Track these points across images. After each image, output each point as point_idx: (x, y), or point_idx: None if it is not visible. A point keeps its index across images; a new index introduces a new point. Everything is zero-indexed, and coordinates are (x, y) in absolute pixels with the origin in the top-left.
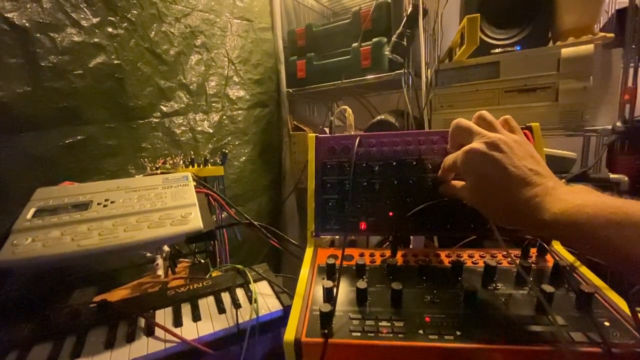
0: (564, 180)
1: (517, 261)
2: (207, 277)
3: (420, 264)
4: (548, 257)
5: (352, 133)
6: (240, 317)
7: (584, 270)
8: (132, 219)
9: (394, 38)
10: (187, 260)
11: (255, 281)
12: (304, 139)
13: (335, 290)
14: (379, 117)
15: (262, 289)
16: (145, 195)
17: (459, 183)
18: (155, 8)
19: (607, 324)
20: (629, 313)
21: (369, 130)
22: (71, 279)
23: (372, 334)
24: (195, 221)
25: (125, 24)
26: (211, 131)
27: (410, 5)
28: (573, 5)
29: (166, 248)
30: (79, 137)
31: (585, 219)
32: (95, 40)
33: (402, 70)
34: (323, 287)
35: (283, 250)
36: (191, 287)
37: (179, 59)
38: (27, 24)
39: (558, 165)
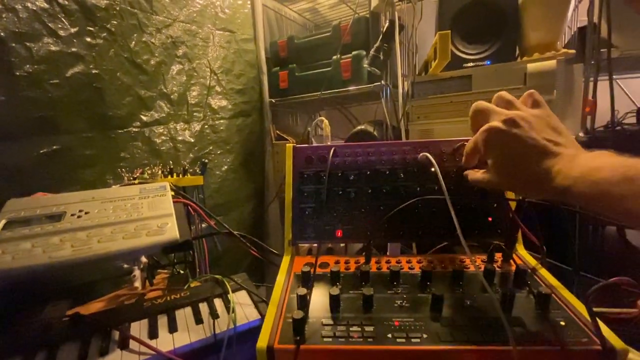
0: None
1: (482, 266)
2: (185, 287)
3: (392, 270)
4: (512, 260)
5: (329, 143)
6: (217, 327)
7: (544, 272)
8: (107, 230)
9: (372, 52)
10: (165, 271)
11: (234, 291)
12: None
13: (308, 297)
14: (359, 127)
15: (241, 299)
16: (121, 206)
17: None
18: (135, 18)
19: (562, 323)
20: (585, 314)
21: (349, 140)
22: (45, 292)
23: (343, 339)
24: (171, 231)
25: (105, 34)
26: (192, 140)
27: (387, 21)
28: (537, 23)
29: (144, 259)
30: (54, 147)
31: (600, 178)
32: (73, 49)
33: (381, 83)
34: (297, 294)
35: (265, 260)
36: (168, 298)
37: (160, 69)
38: (2, 34)
39: None
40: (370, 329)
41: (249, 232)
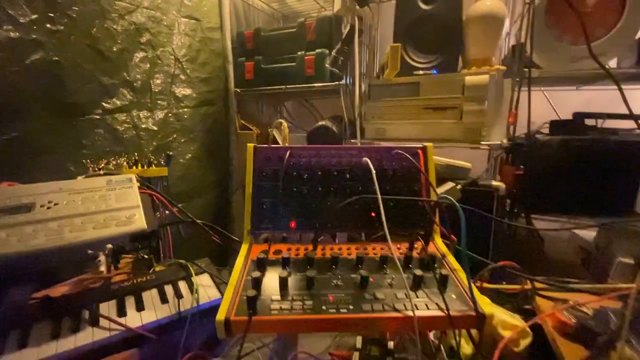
0: (459, 185)
1: (401, 252)
2: (150, 271)
3: (332, 256)
4: (429, 248)
5: (287, 145)
6: (182, 305)
7: (451, 259)
8: (77, 220)
9: (333, 53)
10: (130, 256)
11: (197, 274)
12: (250, 138)
13: (261, 279)
14: (319, 123)
15: (204, 281)
16: (89, 197)
17: None
18: (97, 4)
19: (454, 296)
20: (473, 288)
21: (310, 134)
22: (8, 276)
23: (287, 311)
24: (139, 222)
25: (65, 20)
26: (156, 129)
27: (348, 25)
28: (476, 40)
29: (109, 245)
30: (13, 134)
31: None
32: (33, 36)
33: (341, 82)
34: (251, 277)
35: (226, 247)
36: (134, 281)
37: (122, 55)
38: None
39: (457, 173)
40: (310, 303)
41: (213, 218)
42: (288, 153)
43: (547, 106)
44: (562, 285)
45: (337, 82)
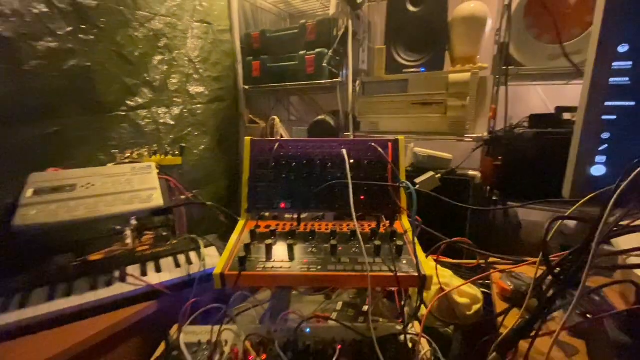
0: (439, 175)
1: (369, 228)
2: (167, 244)
3: (312, 229)
4: (395, 226)
5: (280, 138)
6: (191, 269)
7: (411, 234)
8: (109, 198)
9: (329, 53)
10: (151, 233)
11: (205, 247)
12: (257, 131)
13: (252, 246)
14: (318, 117)
15: (210, 252)
16: (118, 180)
17: None
18: (121, 15)
19: (405, 262)
20: (423, 260)
21: (311, 127)
22: (50, 246)
23: (269, 269)
24: (157, 200)
25: (95, 31)
26: (173, 123)
27: (343, 27)
28: (460, 39)
29: (134, 222)
30: (55, 129)
31: None
32: (69, 46)
33: (338, 79)
34: (244, 244)
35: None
36: (154, 250)
37: (143, 59)
38: (11, 35)
39: (438, 163)
40: (288, 264)
41: (224, 203)
42: (277, 145)
43: (547, 100)
44: (509, 259)
45: (334, 80)
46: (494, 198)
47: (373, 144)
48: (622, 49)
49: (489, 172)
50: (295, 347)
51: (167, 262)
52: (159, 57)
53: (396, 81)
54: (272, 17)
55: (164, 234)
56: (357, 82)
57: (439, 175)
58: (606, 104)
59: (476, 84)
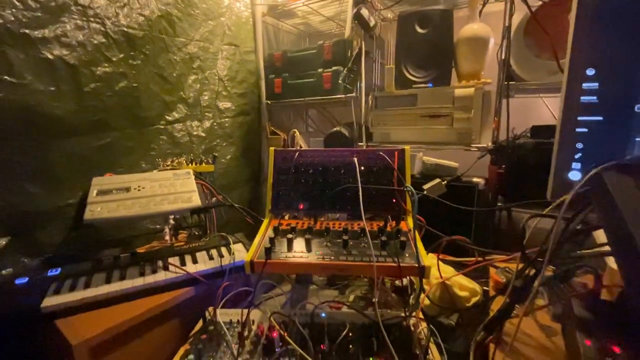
0: (445, 181)
1: (378, 227)
2: (201, 240)
3: (327, 227)
4: (401, 224)
5: (300, 148)
6: (223, 261)
7: (416, 233)
8: (158, 199)
9: (344, 70)
10: (185, 232)
11: (234, 243)
12: (278, 142)
13: (275, 240)
14: (334, 129)
15: (238, 248)
16: (163, 184)
17: None
18: (162, 42)
19: (407, 255)
20: (424, 255)
21: (327, 138)
22: (102, 242)
23: (290, 258)
24: (196, 201)
25: (142, 56)
26: (204, 135)
27: (357, 48)
28: (465, 57)
29: (172, 221)
30: (107, 140)
31: None
32: (121, 70)
33: (352, 95)
34: (269, 237)
35: (255, 224)
36: (190, 245)
37: (180, 79)
38: (76, 62)
39: (445, 171)
40: (306, 255)
41: (247, 206)
42: (297, 154)
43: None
44: (505, 255)
45: (348, 95)
46: (498, 203)
47: (381, 153)
48: (590, 72)
49: (493, 179)
50: (312, 326)
51: (202, 255)
52: (193, 77)
53: (406, 96)
54: (292, 37)
55: (197, 233)
56: (370, 97)
57: (445, 182)
58: (579, 118)
59: (480, 98)
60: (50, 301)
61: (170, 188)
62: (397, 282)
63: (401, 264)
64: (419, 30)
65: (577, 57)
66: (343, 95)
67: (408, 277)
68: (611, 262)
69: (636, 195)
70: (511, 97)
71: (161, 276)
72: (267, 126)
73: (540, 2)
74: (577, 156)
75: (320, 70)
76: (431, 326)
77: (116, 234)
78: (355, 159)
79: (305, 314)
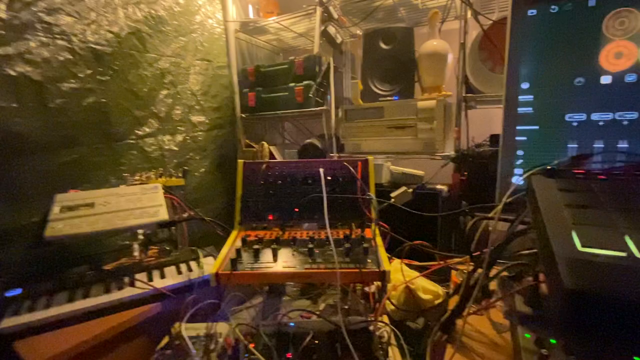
0: (411, 189)
1: (343, 234)
2: (170, 255)
3: (294, 237)
4: (365, 232)
5: (267, 160)
6: (191, 275)
7: (379, 239)
8: (123, 213)
9: (315, 86)
10: (156, 247)
11: (205, 257)
12: (253, 154)
13: (242, 251)
14: (307, 141)
15: (209, 261)
16: (129, 199)
17: None
18: (132, 58)
19: (369, 260)
20: (385, 259)
21: (301, 149)
22: (68, 259)
23: (257, 268)
24: (163, 215)
25: (111, 72)
26: (177, 149)
27: (326, 63)
28: (427, 71)
29: (141, 236)
30: (74, 156)
31: None
32: (88, 86)
33: (323, 107)
34: (235, 248)
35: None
36: (159, 261)
37: (151, 94)
38: (40, 78)
39: (412, 179)
40: (272, 265)
41: (224, 219)
42: (264, 166)
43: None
44: (463, 257)
45: (320, 107)
46: (463, 209)
47: (345, 164)
48: (525, 85)
49: (456, 185)
50: (279, 336)
51: (170, 270)
52: (164, 92)
53: (373, 108)
54: (266, 53)
55: (167, 248)
56: (340, 109)
57: (411, 189)
58: (517, 128)
59: (442, 110)
60: (7, 322)
61: (136, 203)
62: (367, 289)
63: (363, 270)
64: (383, 46)
65: (513, 72)
66: (315, 109)
67: (375, 284)
68: None
69: (556, 196)
70: (472, 108)
71: (127, 292)
72: (242, 139)
73: (491, 21)
74: (518, 162)
75: (292, 84)
76: (394, 329)
77: (84, 251)
78: (321, 170)
79: (273, 324)
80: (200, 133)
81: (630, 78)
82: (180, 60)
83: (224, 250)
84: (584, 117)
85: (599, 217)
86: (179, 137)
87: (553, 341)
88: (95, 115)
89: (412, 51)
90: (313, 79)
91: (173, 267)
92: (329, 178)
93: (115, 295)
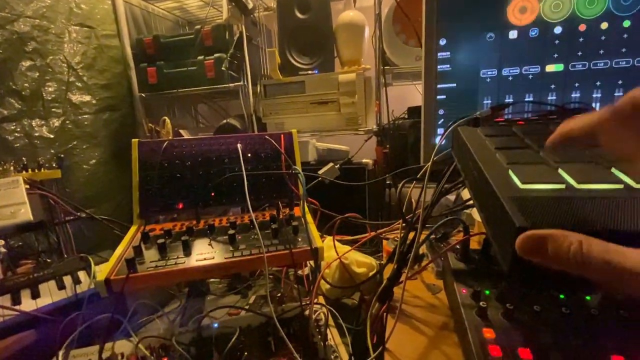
0: (338, 165)
1: (269, 215)
2: (49, 268)
3: (211, 224)
4: (294, 210)
5: (170, 138)
6: (79, 289)
7: (309, 217)
8: None
9: (227, 58)
10: (30, 261)
11: (97, 264)
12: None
13: (142, 247)
14: (224, 121)
15: (104, 269)
16: None
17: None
18: None
19: (300, 239)
20: (317, 237)
21: (217, 132)
22: None
23: (162, 267)
24: (25, 215)
25: None
26: (52, 136)
27: (238, 32)
28: (344, 44)
29: (2, 249)
30: None
31: None
32: None
33: (239, 83)
34: (132, 247)
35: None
36: (31, 277)
37: (5, 65)
38: None
39: (337, 155)
40: (183, 259)
41: (127, 219)
42: (166, 144)
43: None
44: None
45: (236, 84)
46: (387, 181)
47: (267, 137)
48: (442, 42)
49: (380, 158)
50: (199, 342)
51: (47, 286)
52: (27, 63)
53: (294, 83)
54: (169, 24)
55: (47, 260)
56: (258, 85)
57: (338, 165)
58: (438, 86)
59: (362, 83)
60: None
61: None
62: (300, 272)
63: (293, 250)
64: (299, 15)
65: (429, 28)
66: (230, 84)
67: (309, 264)
68: (475, 214)
69: (485, 141)
70: (390, 85)
71: None
72: (145, 122)
73: None
74: (440, 122)
75: (201, 57)
76: (331, 308)
77: None
78: (239, 145)
79: (192, 330)
80: (85, 116)
81: (533, 32)
82: (48, 24)
83: (118, 251)
84: (495, 73)
85: (530, 156)
86: (55, 122)
87: (487, 292)
88: None
89: (329, 21)
90: (225, 51)
91: (52, 282)
92: (249, 155)
93: None
